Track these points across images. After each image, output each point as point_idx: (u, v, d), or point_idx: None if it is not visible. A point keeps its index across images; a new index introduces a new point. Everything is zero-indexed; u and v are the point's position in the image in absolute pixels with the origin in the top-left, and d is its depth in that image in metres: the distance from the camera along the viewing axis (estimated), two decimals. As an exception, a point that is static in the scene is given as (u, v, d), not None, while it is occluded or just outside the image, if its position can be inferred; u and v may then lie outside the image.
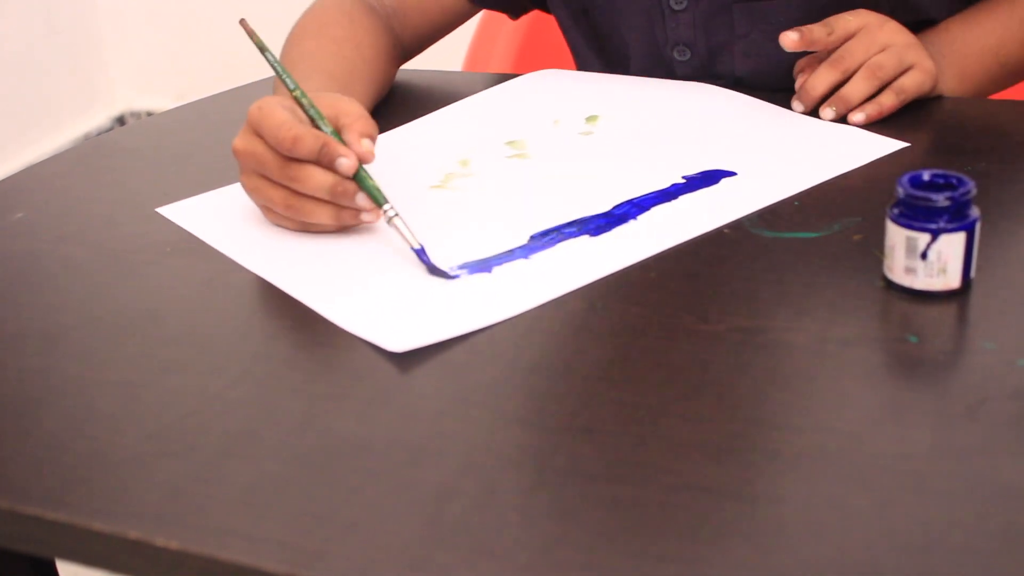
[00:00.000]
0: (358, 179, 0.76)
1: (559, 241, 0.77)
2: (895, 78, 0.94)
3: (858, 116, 0.92)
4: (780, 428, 0.60)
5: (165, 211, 0.84)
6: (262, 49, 0.82)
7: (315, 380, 0.66)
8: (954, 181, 0.69)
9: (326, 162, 0.76)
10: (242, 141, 0.79)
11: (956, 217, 0.68)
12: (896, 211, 0.70)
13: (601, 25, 1.10)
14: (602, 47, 1.11)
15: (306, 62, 0.94)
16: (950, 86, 1.00)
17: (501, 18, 1.28)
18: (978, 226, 0.69)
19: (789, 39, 0.93)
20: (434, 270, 0.74)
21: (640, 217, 0.80)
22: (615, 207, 0.81)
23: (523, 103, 1.00)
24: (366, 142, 0.77)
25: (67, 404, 0.66)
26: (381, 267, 0.75)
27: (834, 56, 0.94)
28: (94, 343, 0.71)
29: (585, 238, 0.77)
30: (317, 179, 0.76)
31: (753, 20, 1.02)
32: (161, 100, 2.80)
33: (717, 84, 1.03)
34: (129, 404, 0.65)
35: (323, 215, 0.78)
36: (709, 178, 0.85)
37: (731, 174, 0.86)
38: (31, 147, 2.60)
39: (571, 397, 0.63)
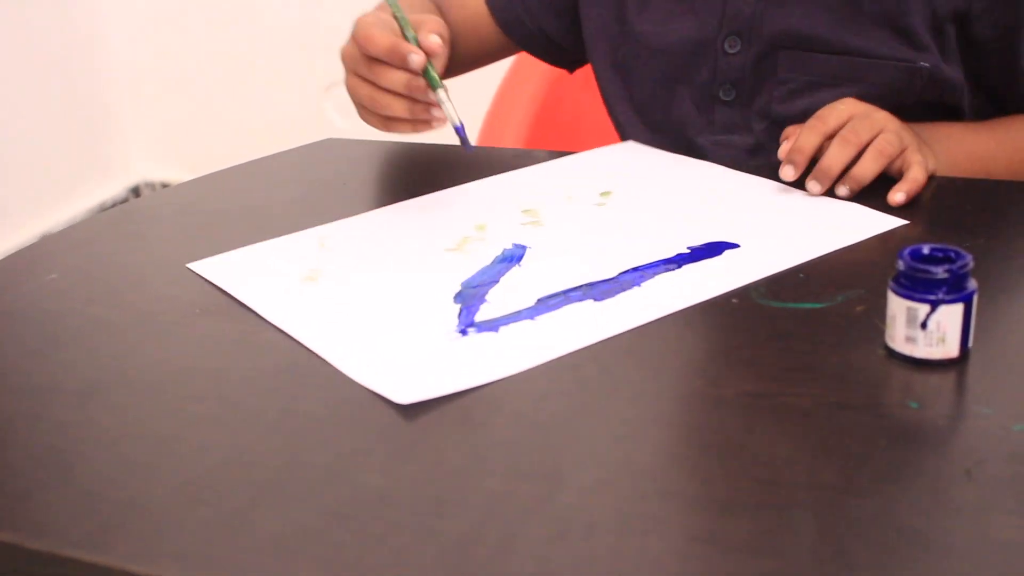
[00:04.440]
0: (424, 72, 0.90)
1: (565, 304, 0.81)
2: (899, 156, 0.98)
3: (898, 196, 0.95)
4: (786, 486, 0.62)
5: (196, 266, 0.87)
6: None
7: (341, 436, 0.69)
8: (952, 255, 0.73)
9: (398, 61, 0.90)
10: (346, 46, 0.96)
11: (954, 289, 0.71)
12: (897, 283, 0.73)
13: (636, 66, 1.14)
14: (636, 87, 1.15)
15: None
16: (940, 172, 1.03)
17: (517, 91, 1.32)
18: (975, 298, 0.72)
19: (787, 174, 0.97)
20: (466, 143, 0.90)
21: (644, 284, 0.83)
22: (620, 274, 0.85)
23: (541, 179, 1.04)
24: (434, 37, 0.91)
25: (102, 455, 0.68)
26: (398, 324, 0.79)
27: (842, 135, 0.97)
28: (127, 399, 0.74)
29: (590, 302, 0.81)
30: (393, 76, 0.91)
31: (796, 67, 1.08)
32: (176, 171, 2.85)
33: (754, 124, 1.09)
34: (161, 455, 0.68)
35: (399, 108, 0.92)
36: (713, 249, 0.89)
37: (734, 246, 0.89)
38: (46, 217, 2.64)
39: (584, 455, 0.66)
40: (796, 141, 0.98)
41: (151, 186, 2.87)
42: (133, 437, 0.70)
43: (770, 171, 1.02)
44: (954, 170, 1.04)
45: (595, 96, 1.25)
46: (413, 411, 0.70)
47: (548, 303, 0.81)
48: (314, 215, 1.00)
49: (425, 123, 0.94)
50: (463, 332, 0.77)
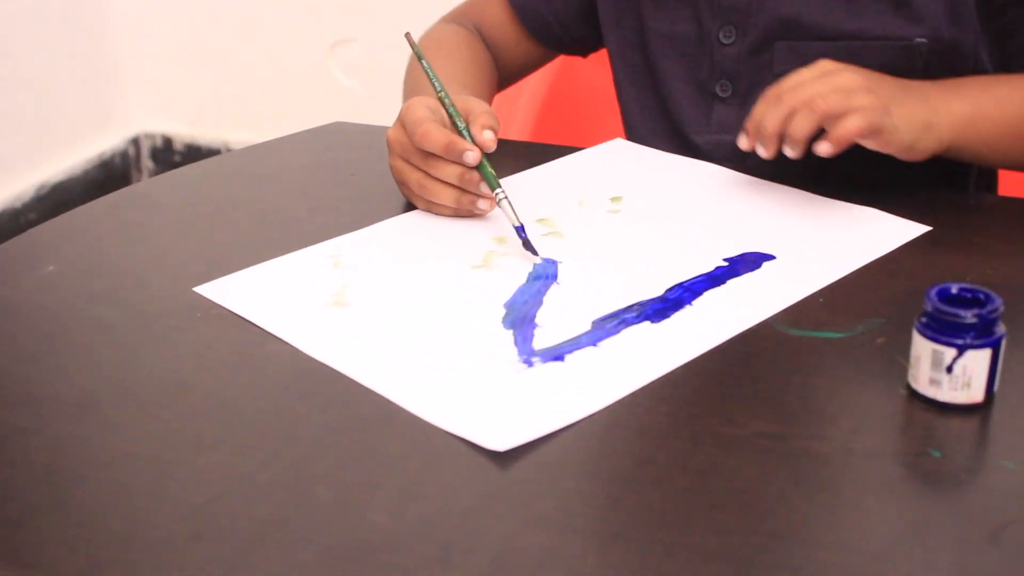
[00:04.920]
0: (480, 167, 0.91)
1: (623, 327, 0.79)
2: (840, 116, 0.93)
3: (822, 147, 0.91)
4: (803, 543, 0.61)
5: (203, 290, 0.84)
6: (420, 57, 0.97)
7: (346, 466, 0.67)
8: (982, 296, 0.71)
9: (454, 156, 0.91)
10: (393, 131, 0.96)
11: (983, 333, 0.69)
12: (923, 323, 0.71)
13: (647, 58, 1.14)
14: (645, 80, 1.15)
15: (442, 76, 1.04)
16: (950, 139, 0.98)
17: (519, 88, 1.31)
18: (1004, 342, 0.70)
19: (743, 144, 0.96)
20: (529, 247, 0.88)
21: (695, 302, 0.82)
22: (668, 291, 0.83)
23: (547, 183, 1.02)
24: (488, 133, 0.92)
25: (100, 478, 0.66)
26: (455, 356, 0.76)
27: (781, 97, 0.94)
28: (125, 414, 0.72)
29: (647, 324, 0.79)
30: (447, 168, 0.92)
31: (792, 59, 1.05)
32: (176, 124, 2.81)
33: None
34: (161, 482, 0.66)
35: (448, 197, 0.93)
36: (751, 262, 0.87)
37: (771, 257, 0.88)
38: (45, 166, 2.61)
39: (599, 499, 0.64)
40: (757, 118, 0.95)
41: (151, 137, 2.83)
42: (131, 459, 0.68)
43: (767, 172, 1.01)
44: (966, 127, 0.97)
45: (600, 86, 1.23)
46: (421, 442, 0.68)
47: (605, 327, 0.79)
48: (321, 210, 0.98)
49: (468, 212, 0.94)
50: (528, 363, 0.75)
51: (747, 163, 1.09)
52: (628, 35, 1.15)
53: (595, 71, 1.33)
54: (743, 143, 0.96)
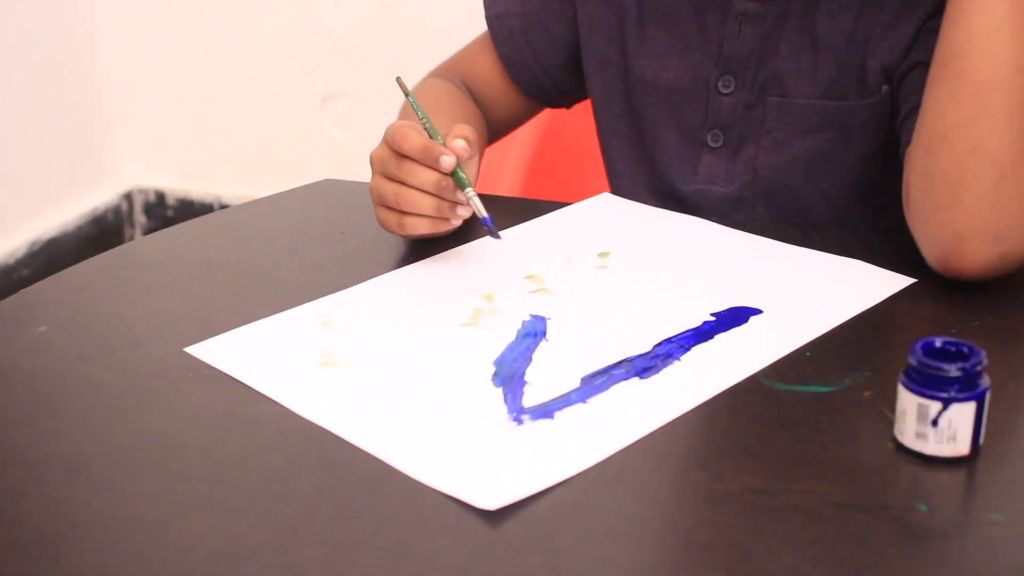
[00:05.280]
0: (453, 173, 0.93)
1: (611, 384, 0.79)
2: None
3: None
4: (793, 598, 0.61)
5: (194, 350, 0.85)
6: (406, 94, 1.01)
7: (337, 526, 0.67)
8: (966, 350, 0.71)
9: (430, 160, 0.92)
10: (376, 150, 0.97)
11: (967, 387, 0.70)
12: (909, 377, 0.71)
13: (631, 106, 1.15)
14: (628, 129, 1.16)
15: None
16: None
17: (508, 142, 1.32)
18: (988, 395, 0.71)
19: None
20: (495, 234, 0.93)
21: (683, 358, 0.82)
22: (656, 346, 0.84)
23: (535, 240, 1.03)
24: (460, 141, 0.94)
25: (91, 539, 0.67)
26: (445, 415, 0.76)
27: None
28: (117, 475, 0.72)
29: (636, 380, 0.79)
30: (424, 175, 0.94)
31: (781, 115, 1.08)
32: (168, 178, 2.82)
33: (737, 175, 1.10)
34: (152, 544, 0.66)
35: (426, 205, 0.94)
36: (738, 316, 0.88)
37: (758, 312, 0.88)
38: (38, 221, 2.62)
39: (589, 557, 0.64)
40: None
41: (144, 192, 2.84)
42: (122, 519, 0.68)
43: (755, 227, 1.03)
44: None
45: (587, 141, 1.24)
46: (412, 501, 0.68)
47: (594, 383, 0.79)
48: (311, 268, 0.98)
49: (446, 220, 0.95)
50: (518, 421, 0.75)
51: (736, 215, 1.11)
52: (612, 83, 1.16)
53: (582, 126, 1.35)
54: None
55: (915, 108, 0.99)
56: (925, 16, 1.03)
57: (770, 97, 1.09)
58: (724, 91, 1.10)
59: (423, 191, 0.94)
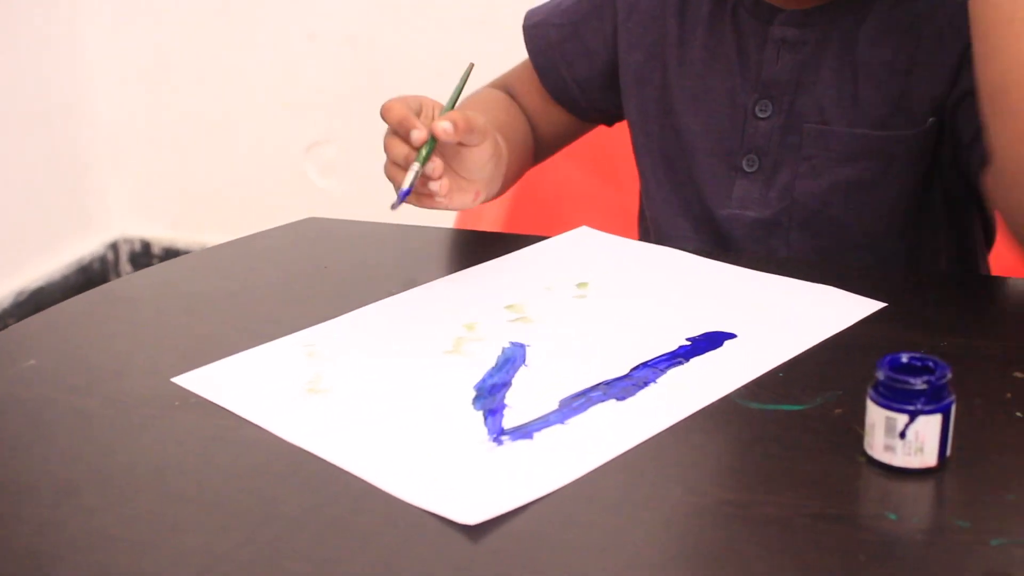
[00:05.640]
0: (423, 146, 0.96)
1: (589, 406, 0.81)
2: None
3: None
4: (766, 604, 0.62)
5: (181, 380, 0.86)
6: (464, 77, 1.04)
7: (321, 543, 0.68)
8: (931, 364, 0.73)
9: (403, 133, 0.95)
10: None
11: (933, 399, 0.72)
12: (876, 391, 0.73)
13: (669, 126, 1.16)
14: (665, 149, 1.17)
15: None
16: None
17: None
18: (953, 408, 0.73)
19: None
20: (395, 206, 0.96)
21: (659, 380, 0.84)
22: (633, 370, 0.86)
23: (515, 272, 1.05)
24: (444, 123, 0.96)
25: (79, 560, 0.68)
26: (427, 438, 0.78)
27: None
28: (104, 499, 0.74)
29: (613, 402, 0.81)
30: (398, 148, 0.97)
31: (819, 143, 1.09)
32: (154, 227, 2.84)
33: (773, 201, 1.11)
34: (139, 563, 0.67)
35: (401, 179, 0.97)
36: (714, 340, 0.90)
37: (732, 336, 0.90)
38: (24, 271, 2.63)
39: (570, 569, 0.66)
40: None
41: (130, 241, 2.86)
42: (110, 541, 0.69)
43: (787, 255, 1.05)
44: None
45: (570, 180, 1.27)
46: (395, 519, 0.70)
47: (572, 405, 0.81)
48: (295, 302, 1.00)
49: (428, 197, 0.98)
50: (497, 441, 0.77)
51: (770, 241, 1.12)
52: (648, 103, 1.17)
53: (566, 166, 1.38)
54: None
55: (978, 132, 0.99)
56: (964, 46, 1.02)
57: (807, 124, 1.09)
58: (761, 115, 1.11)
59: (400, 166, 0.98)
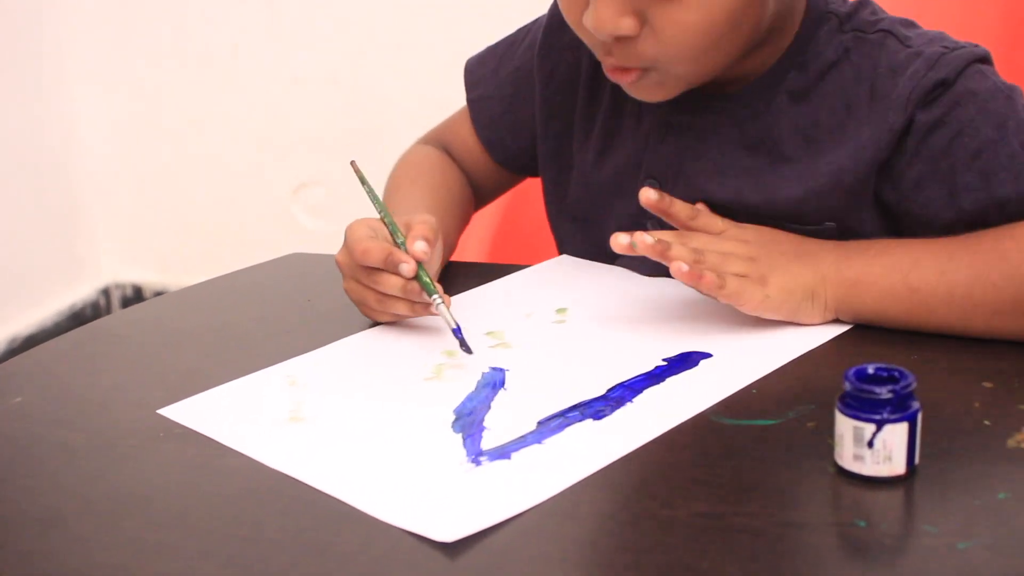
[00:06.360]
0: (417, 276, 0.95)
1: (566, 426, 0.83)
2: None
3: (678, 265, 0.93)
4: (738, 610, 0.64)
5: (167, 412, 0.88)
6: (363, 182, 1.03)
7: (302, 563, 0.70)
8: (896, 374, 0.75)
9: (392, 269, 0.96)
10: (340, 255, 1.01)
11: (899, 408, 0.74)
12: (844, 402, 0.75)
13: (579, 197, 1.17)
14: (577, 215, 1.18)
15: (409, 203, 1.14)
16: (835, 306, 0.96)
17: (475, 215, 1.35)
18: (920, 416, 0.74)
19: (622, 239, 0.95)
20: (464, 347, 0.93)
21: (636, 399, 0.86)
22: (609, 390, 0.87)
23: (494, 299, 1.07)
24: (420, 244, 0.96)
25: (65, 587, 0.69)
26: (408, 461, 0.79)
27: (681, 233, 1.00)
28: (90, 527, 0.75)
29: (589, 422, 0.83)
30: (391, 282, 0.97)
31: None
32: (146, 273, 2.86)
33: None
34: (124, 587, 0.68)
35: (403, 309, 0.98)
36: (688, 360, 0.92)
37: (707, 355, 0.92)
38: (16, 319, 2.65)
39: (542, 580, 0.67)
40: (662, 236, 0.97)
41: (121, 287, 2.88)
42: (95, 567, 0.71)
43: None
44: (861, 296, 0.95)
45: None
46: (374, 539, 0.71)
47: (550, 425, 0.83)
48: (280, 335, 1.02)
49: (424, 307, 0.98)
50: (476, 462, 0.79)
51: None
52: (562, 173, 1.19)
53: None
54: (623, 239, 0.95)
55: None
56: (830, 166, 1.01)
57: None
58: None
59: (396, 297, 0.97)
